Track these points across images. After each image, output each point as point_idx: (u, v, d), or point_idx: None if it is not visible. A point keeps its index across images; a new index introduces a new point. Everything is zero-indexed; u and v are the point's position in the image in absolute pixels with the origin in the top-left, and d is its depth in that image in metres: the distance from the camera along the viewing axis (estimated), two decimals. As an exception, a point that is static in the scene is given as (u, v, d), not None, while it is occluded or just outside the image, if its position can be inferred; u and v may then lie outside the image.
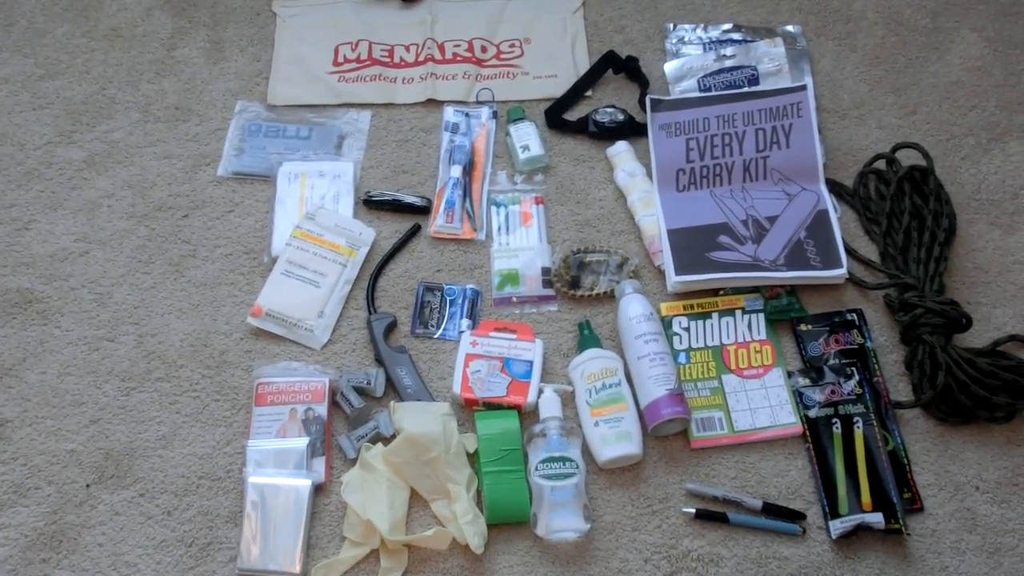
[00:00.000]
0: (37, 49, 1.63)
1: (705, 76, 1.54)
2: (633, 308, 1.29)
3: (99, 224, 1.44)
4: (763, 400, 1.28)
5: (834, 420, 1.25)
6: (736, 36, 1.62)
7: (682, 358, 1.31)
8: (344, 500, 1.18)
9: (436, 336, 1.34)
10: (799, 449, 1.26)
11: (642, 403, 1.24)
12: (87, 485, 1.23)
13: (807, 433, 1.25)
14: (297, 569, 1.15)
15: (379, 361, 1.30)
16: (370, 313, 1.35)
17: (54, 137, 1.53)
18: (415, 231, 1.44)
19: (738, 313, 1.35)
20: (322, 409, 1.25)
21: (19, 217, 1.44)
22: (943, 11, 1.69)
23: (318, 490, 1.22)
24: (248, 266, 1.40)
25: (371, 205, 1.45)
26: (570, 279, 1.38)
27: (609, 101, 1.56)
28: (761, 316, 1.34)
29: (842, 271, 1.34)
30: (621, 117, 1.52)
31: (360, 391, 1.27)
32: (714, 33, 1.63)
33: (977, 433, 1.27)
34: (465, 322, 1.35)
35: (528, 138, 1.49)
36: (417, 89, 1.58)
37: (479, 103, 1.57)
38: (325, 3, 1.69)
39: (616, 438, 1.21)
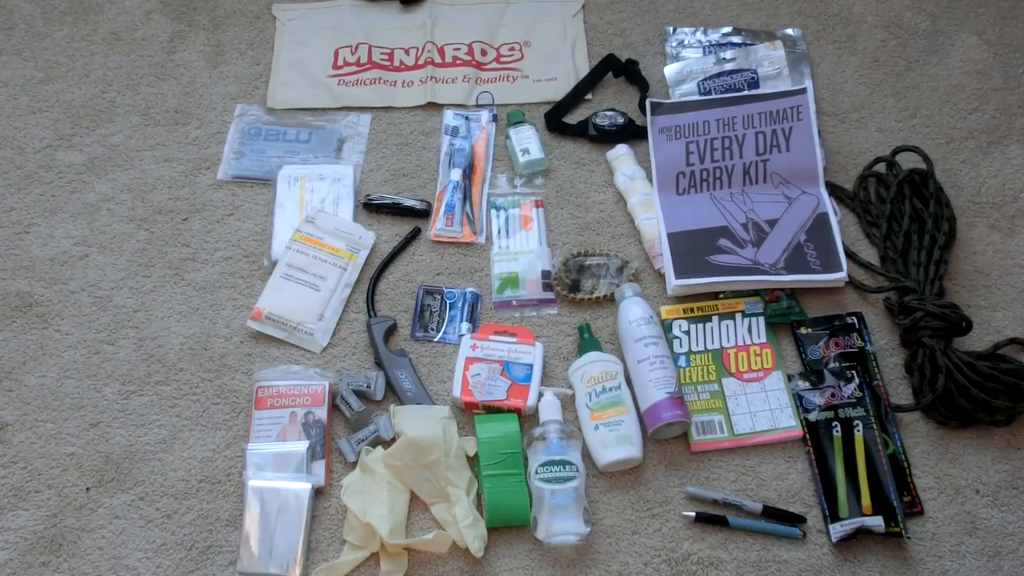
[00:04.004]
0: (37, 53, 1.63)
1: (705, 79, 1.54)
2: (633, 311, 1.29)
3: (99, 228, 1.44)
4: (763, 403, 1.28)
5: (834, 423, 1.25)
6: (736, 39, 1.62)
7: (682, 361, 1.31)
8: (344, 503, 1.18)
9: (436, 339, 1.34)
10: (799, 452, 1.26)
11: (642, 406, 1.24)
12: (87, 488, 1.23)
13: (807, 436, 1.25)
14: (297, 572, 1.15)
15: (379, 364, 1.30)
16: (370, 316, 1.35)
17: (54, 141, 1.53)
18: (415, 234, 1.44)
19: (738, 316, 1.35)
20: (322, 412, 1.25)
21: (19, 220, 1.44)
22: (943, 14, 1.69)
23: (318, 493, 1.22)
24: (248, 269, 1.40)
25: (371, 208, 1.45)
26: (570, 282, 1.38)
27: (609, 104, 1.56)
28: (761, 319, 1.34)
29: (842, 274, 1.34)
30: (621, 120, 1.52)
31: (360, 394, 1.27)
32: (714, 36, 1.63)
33: (977, 436, 1.27)
34: (465, 325, 1.35)
35: (528, 141, 1.49)
36: (417, 92, 1.58)
37: (479, 106, 1.57)
38: (325, 6, 1.69)
39: (616, 441, 1.21)
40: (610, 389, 1.25)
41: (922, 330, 1.28)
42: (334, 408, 1.27)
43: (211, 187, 1.48)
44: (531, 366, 1.29)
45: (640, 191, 1.44)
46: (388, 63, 1.62)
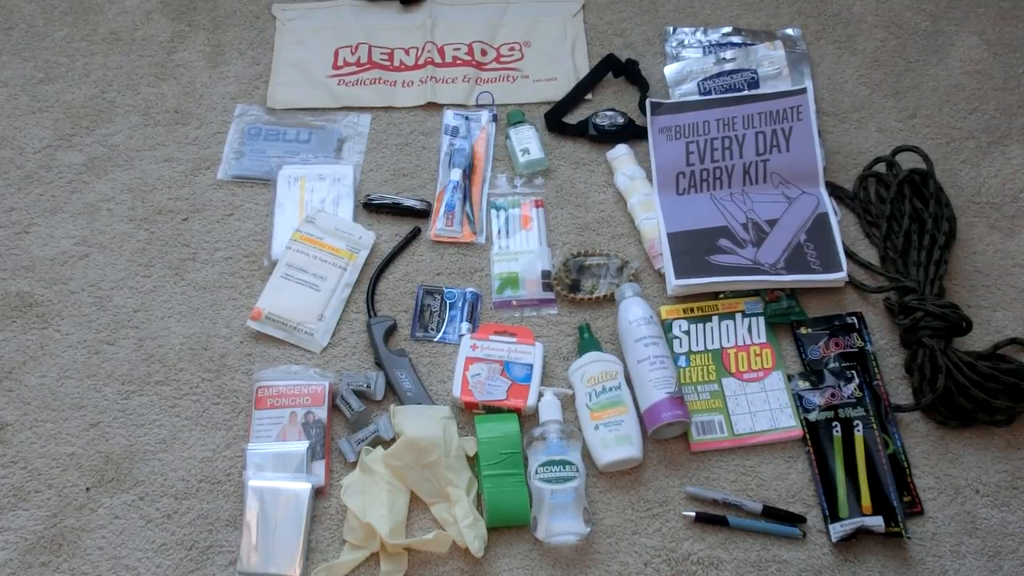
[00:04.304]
0: (37, 53, 1.63)
1: (705, 79, 1.54)
2: (633, 311, 1.29)
3: (99, 228, 1.44)
4: (763, 403, 1.28)
5: (834, 423, 1.25)
6: (736, 39, 1.62)
7: (682, 361, 1.31)
8: (344, 503, 1.18)
9: (436, 339, 1.34)
10: (799, 452, 1.26)
11: (642, 406, 1.24)
12: (87, 488, 1.23)
13: (807, 436, 1.25)
14: (297, 572, 1.15)
15: (379, 364, 1.30)
16: (370, 316, 1.35)
17: (54, 141, 1.53)
18: (415, 234, 1.44)
19: (738, 316, 1.35)
20: (322, 412, 1.25)
21: (19, 221, 1.44)
22: (943, 14, 1.69)
23: (318, 493, 1.22)
24: (248, 269, 1.40)
25: (371, 208, 1.45)
26: (570, 282, 1.38)
27: (609, 104, 1.56)
28: (761, 319, 1.34)
29: (842, 275, 1.34)
30: (621, 120, 1.52)
31: (360, 394, 1.27)
32: (714, 36, 1.63)
33: (977, 436, 1.27)
34: (465, 325, 1.35)
35: (528, 141, 1.49)
36: (417, 92, 1.58)
37: (479, 106, 1.57)
38: (325, 6, 1.69)
39: (616, 441, 1.21)
40: (610, 389, 1.25)
41: (922, 330, 1.28)
42: (334, 408, 1.27)
43: (211, 187, 1.48)
44: (531, 366, 1.29)
45: (640, 191, 1.44)
46: (388, 63, 1.62)
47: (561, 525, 1.15)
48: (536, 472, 1.18)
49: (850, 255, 1.39)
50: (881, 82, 1.60)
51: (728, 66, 1.55)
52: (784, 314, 1.35)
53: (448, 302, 1.37)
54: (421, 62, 1.62)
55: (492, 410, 1.26)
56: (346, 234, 1.41)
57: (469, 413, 1.28)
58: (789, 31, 1.64)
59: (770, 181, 1.42)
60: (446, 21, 1.67)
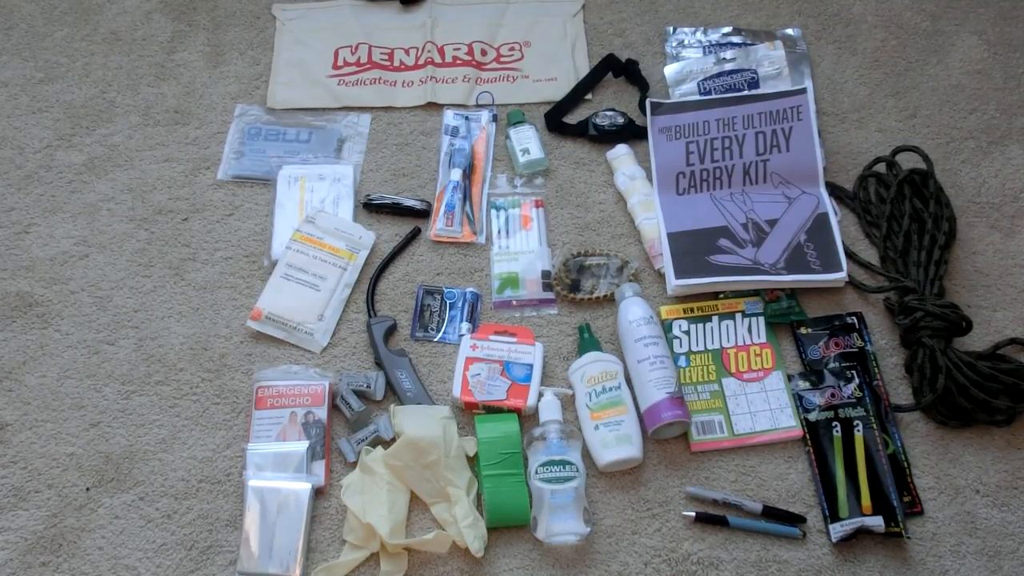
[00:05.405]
0: (37, 52, 1.63)
1: (705, 79, 1.54)
2: (633, 311, 1.29)
3: (99, 228, 1.44)
4: (763, 403, 1.28)
5: (834, 423, 1.25)
6: (736, 39, 1.62)
7: (682, 361, 1.31)
8: (344, 503, 1.18)
9: (436, 339, 1.34)
10: (799, 452, 1.26)
11: (642, 406, 1.24)
12: (87, 488, 1.23)
13: (807, 436, 1.25)
14: (297, 572, 1.15)
15: (379, 364, 1.30)
16: (370, 316, 1.35)
17: (54, 141, 1.53)
18: (415, 234, 1.44)
19: (738, 316, 1.35)
20: (322, 412, 1.25)
21: (19, 221, 1.44)
22: (943, 14, 1.69)
23: (318, 493, 1.22)
24: (248, 269, 1.40)
25: (371, 208, 1.45)
26: (570, 282, 1.38)
27: (609, 104, 1.56)
28: (761, 319, 1.34)
29: (842, 275, 1.34)
30: (621, 120, 1.52)
31: (360, 394, 1.27)
32: (714, 36, 1.63)
33: (977, 436, 1.27)
34: (465, 325, 1.35)
35: (528, 141, 1.49)
36: (417, 92, 1.58)
37: (479, 106, 1.57)
38: (325, 6, 1.69)
39: (616, 441, 1.21)
40: (610, 389, 1.25)
41: (922, 330, 1.28)
42: (334, 408, 1.27)
43: (211, 187, 1.48)
44: (531, 366, 1.29)
45: (640, 191, 1.44)
46: (388, 63, 1.62)
47: (561, 525, 1.15)
48: (536, 472, 1.18)
49: (850, 255, 1.39)
50: (881, 82, 1.60)
51: (728, 66, 1.55)
52: (784, 314, 1.35)
53: (448, 302, 1.37)
54: (421, 62, 1.62)
55: (492, 410, 1.26)
56: (346, 234, 1.41)
57: (469, 413, 1.28)
58: (789, 31, 1.64)
59: (770, 181, 1.42)
60: (446, 21, 1.67)
